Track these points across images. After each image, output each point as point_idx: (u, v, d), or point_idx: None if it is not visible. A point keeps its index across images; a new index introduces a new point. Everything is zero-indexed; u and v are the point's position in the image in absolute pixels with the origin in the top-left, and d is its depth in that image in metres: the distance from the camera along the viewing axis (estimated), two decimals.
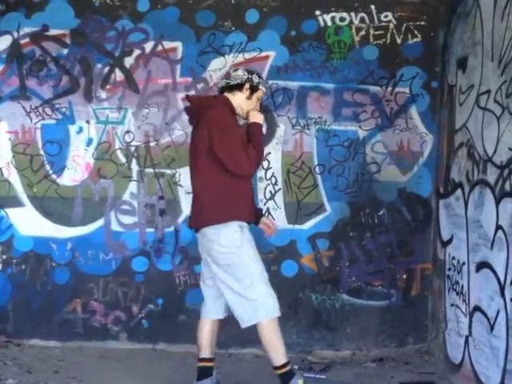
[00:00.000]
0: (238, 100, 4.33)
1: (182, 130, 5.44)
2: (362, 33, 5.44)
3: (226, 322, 5.40)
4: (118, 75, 5.42)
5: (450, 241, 5.01)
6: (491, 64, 4.27)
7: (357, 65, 5.44)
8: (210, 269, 4.31)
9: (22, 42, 5.36)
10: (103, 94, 5.44)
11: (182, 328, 5.45)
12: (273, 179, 5.50)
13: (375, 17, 5.42)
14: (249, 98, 4.34)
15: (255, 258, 4.27)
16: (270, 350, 4.27)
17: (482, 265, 4.29)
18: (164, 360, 5.22)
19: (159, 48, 5.41)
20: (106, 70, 5.41)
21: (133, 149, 5.47)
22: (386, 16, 5.43)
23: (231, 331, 5.41)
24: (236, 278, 4.21)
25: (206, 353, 4.44)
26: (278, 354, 4.25)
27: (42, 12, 5.35)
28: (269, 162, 5.47)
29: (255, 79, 4.34)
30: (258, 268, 4.26)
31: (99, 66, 5.42)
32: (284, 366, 4.25)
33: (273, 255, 5.48)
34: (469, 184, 4.60)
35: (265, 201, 5.49)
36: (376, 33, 5.43)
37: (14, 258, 5.45)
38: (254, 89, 4.34)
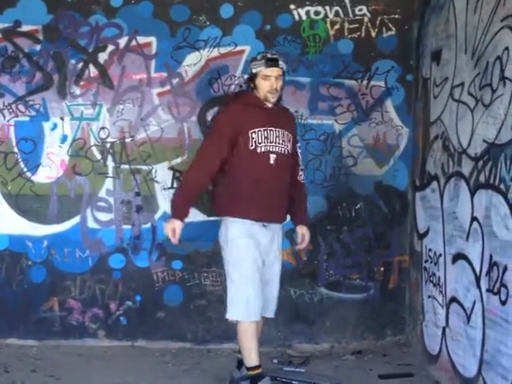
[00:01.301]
0: (255, 91, 4.30)
1: (157, 126, 5.41)
2: (337, 26, 5.42)
3: (204, 318, 5.45)
4: (92, 71, 5.36)
5: (426, 233, 5.04)
6: (465, 57, 4.30)
7: (332, 59, 5.43)
8: None
9: None
10: (77, 91, 5.37)
11: (161, 324, 5.43)
12: None
13: (350, 10, 5.41)
14: (255, 86, 4.28)
15: (247, 257, 4.22)
16: (241, 350, 4.38)
17: (458, 256, 4.32)
18: (143, 357, 5.19)
19: (133, 43, 5.35)
20: (80, 65, 5.34)
21: (108, 145, 5.41)
22: (360, 9, 5.43)
23: (209, 327, 5.44)
24: (226, 271, 4.33)
25: None
26: (247, 357, 4.29)
27: (13, 8, 5.26)
28: None
29: (252, 68, 4.28)
30: (246, 268, 4.22)
31: (73, 61, 5.34)
32: (253, 368, 4.27)
33: None
34: (444, 176, 4.63)
35: None
36: (351, 26, 5.42)
37: None
38: (254, 77, 4.27)
